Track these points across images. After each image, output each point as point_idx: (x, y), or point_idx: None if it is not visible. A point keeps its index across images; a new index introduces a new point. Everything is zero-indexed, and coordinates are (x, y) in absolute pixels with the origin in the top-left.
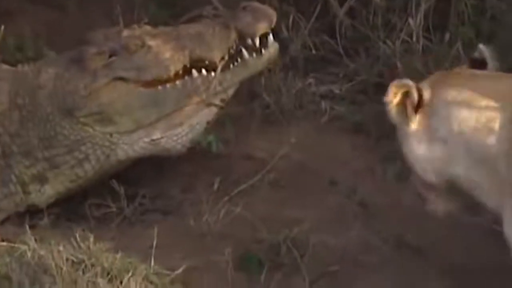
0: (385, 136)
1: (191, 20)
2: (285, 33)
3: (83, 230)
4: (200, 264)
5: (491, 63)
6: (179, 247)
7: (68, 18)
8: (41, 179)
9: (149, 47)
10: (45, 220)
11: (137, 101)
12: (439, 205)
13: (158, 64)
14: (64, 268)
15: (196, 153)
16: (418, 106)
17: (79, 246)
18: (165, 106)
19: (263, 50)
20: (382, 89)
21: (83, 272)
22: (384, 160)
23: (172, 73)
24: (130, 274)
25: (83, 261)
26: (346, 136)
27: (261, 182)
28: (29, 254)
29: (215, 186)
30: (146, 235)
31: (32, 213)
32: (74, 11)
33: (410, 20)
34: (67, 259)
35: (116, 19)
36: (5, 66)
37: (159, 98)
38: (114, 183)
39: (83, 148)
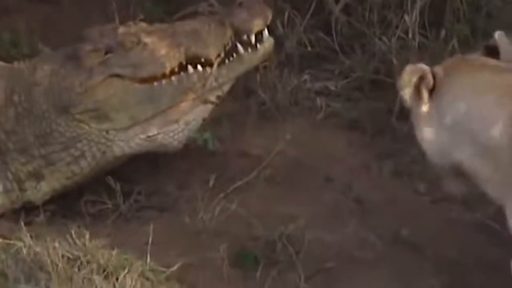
0: (380, 133)
1: (186, 17)
2: (280, 29)
3: (79, 226)
4: (196, 261)
5: (505, 52)
6: (174, 244)
7: (64, 14)
8: (37, 176)
9: (145, 44)
10: (41, 217)
11: (133, 97)
12: (452, 187)
13: (154, 61)
14: (60, 265)
15: (191, 150)
16: (432, 90)
17: (75, 243)
18: (161, 102)
19: (258, 45)
20: (377, 86)
21: (79, 269)
22: (379, 157)
23: (167, 70)
24: (126, 270)
25: (79, 257)
26: (342, 133)
27: (257, 179)
28: (24, 250)
29: (211, 183)
30: (141, 231)
31: (27, 210)
32: (70, 8)
33: (406, 17)
34: (62, 256)
35: (112, 15)
36: (0, 63)
37: (154, 94)
38: (110, 180)
39: (79, 145)
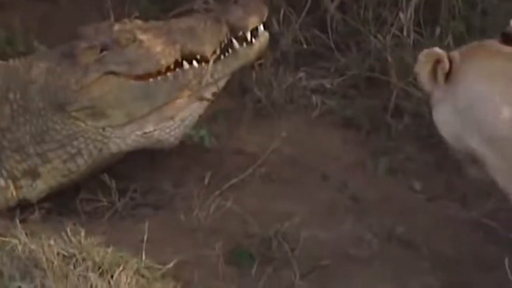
0: (376, 130)
1: (182, 15)
2: (276, 27)
3: (74, 224)
4: (191, 258)
5: None
6: (170, 242)
7: (59, 12)
8: (33, 174)
9: (141, 41)
10: (36, 215)
11: (128, 94)
12: (472, 172)
13: (150, 59)
14: (55, 262)
15: (187, 148)
16: (448, 74)
17: (70, 241)
18: (156, 98)
19: (253, 40)
20: (373, 83)
21: (74, 266)
22: (375, 154)
23: (163, 67)
24: (121, 268)
25: (74, 255)
26: (337, 131)
27: (252, 177)
28: (20, 248)
29: (206, 180)
30: (137, 229)
31: (23, 207)
32: (65, 5)
33: (401, 15)
34: (58, 253)
35: (107, 13)
36: None
37: (150, 91)
38: (105, 178)
39: (75, 142)
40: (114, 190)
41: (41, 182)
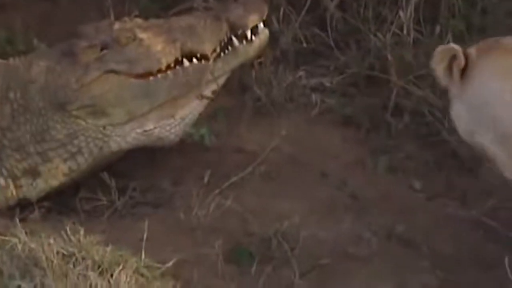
0: (375, 129)
1: (182, 13)
2: (275, 25)
3: (74, 223)
4: (191, 257)
5: None
6: (169, 240)
7: (59, 11)
8: (33, 173)
9: (141, 40)
10: (36, 213)
11: (129, 92)
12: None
13: (150, 57)
14: (55, 261)
15: (186, 146)
16: (464, 70)
17: (70, 239)
18: (157, 97)
19: (253, 37)
20: (372, 82)
21: (74, 265)
22: (374, 153)
23: (163, 65)
24: (120, 267)
25: (74, 254)
26: (337, 129)
27: (252, 175)
28: (19, 247)
29: (206, 179)
30: (136, 228)
31: (22, 206)
32: (65, 4)
33: (401, 13)
34: (57, 252)
35: (107, 12)
36: None
37: (150, 89)
38: (105, 176)
39: (75, 141)
40: (114, 188)
41: (41, 181)
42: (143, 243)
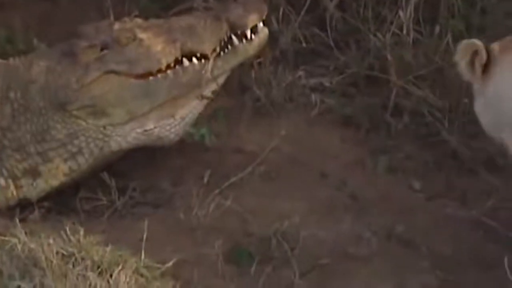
0: (375, 129)
1: (181, 13)
2: (275, 25)
3: (74, 223)
4: (191, 257)
5: None
6: (169, 240)
7: (59, 11)
8: (33, 173)
9: (141, 40)
10: (36, 214)
11: (129, 92)
12: None
13: (150, 57)
14: (54, 261)
15: (186, 146)
16: (487, 66)
17: (69, 240)
18: (157, 96)
19: (253, 36)
20: (372, 82)
21: (73, 265)
22: (374, 153)
23: (163, 66)
24: (120, 267)
25: (73, 254)
26: (337, 129)
27: (252, 175)
28: (19, 247)
29: (206, 179)
30: (136, 228)
31: (22, 206)
32: (65, 4)
33: (401, 13)
34: (57, 252)
35: (107, 12)
36: None
37: (151, 89)
38: (105, 176)
39: (76, 141)
40: (114, 188)
41: (41, 181)
42: (143, 243)
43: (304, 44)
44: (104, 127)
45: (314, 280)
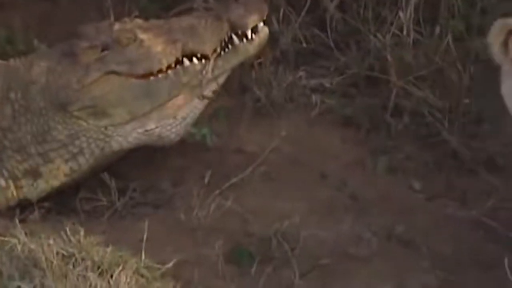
0: (375, 129)
1: (182, 13)
2: (275, 26)
3: (74, 223)
4: (191, 258)
5: None
6: (170, 241)
7: (59, 11)
8: (34, 174)
9: (141, 40)
10: (36, 214)
11: (130, 93)
12: None
13: (151, 58)
14: (55, 262)
15: (186, 147)
16: None
17: (70, 240)
18: (158, 96)
19: (253, 36)
20: (372, 82)
21: (74, 266)
22: (374, 153)
23: (164, 66)
24: (120, 267)
25: (74, 254)
26: (337, 129)
27: (252, 176)
28: (19, 247)
29: (206, 179)
30: (136, 228)
31: (22, 206)
32: (65, 4)
33: (401, 14)
34: (57, 253)
35: (107, 12)
36: None
37: (151, 89)
38: (105, 177)
39: (77, 142)
40: (114, 189)
41: (42, 182)
42: (143, 244)
43: (304, 45)
44: (105, 128)
45: (314, 280)
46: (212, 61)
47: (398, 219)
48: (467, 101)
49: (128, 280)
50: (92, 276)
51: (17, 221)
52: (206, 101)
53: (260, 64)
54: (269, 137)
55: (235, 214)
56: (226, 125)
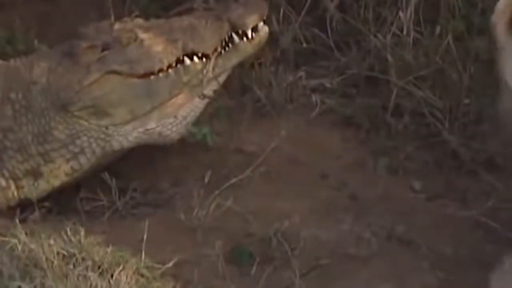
0: (375, 130)
1: (182, 13)
2: (275, 26)
3: (74, 223)
4: (191, 258)
5: None
6: (170, 241)
7: (59, 11)
8: (35, 174)
9: (142, 40)
10: (36, 214)
11: (130, 92)
12: None
13: (151, 57)
14: (55, 262)
15: (187, 147)
16: None
17: (70, 240)
18: (158, 95)
19: (253, 35)
20: (372, 82)
21: (74, 266)
22: (374, 153)
23: (165, 65)
24: (121, 267)
25: (74, 254)
26: (337, 130)
27: (252, 176)
28: (19, 247)
29: (206, 179)
30: (137, 228)
31: (23, 206)
32: (65, 4)
33: (401, 14)
34: (57, 253)
35: (107, 12)
36: None
37: (152, 88)
38: (106, 177)
39: (78, 142)
40: (114, 189)
41: (43, 182)
42: (143, 244)
43: (304, 45)
44: (106, 127)
45: (314, 281)
46: (212, 60)
47: (398, 219)
48: (467, 101)
49: (129, 280)
50: (92, 276)
51: (17, 221)
52: (206, 100)
53: (260, 64)
54: (269, 137)
55: (235, 214)
56: (226, 125)
